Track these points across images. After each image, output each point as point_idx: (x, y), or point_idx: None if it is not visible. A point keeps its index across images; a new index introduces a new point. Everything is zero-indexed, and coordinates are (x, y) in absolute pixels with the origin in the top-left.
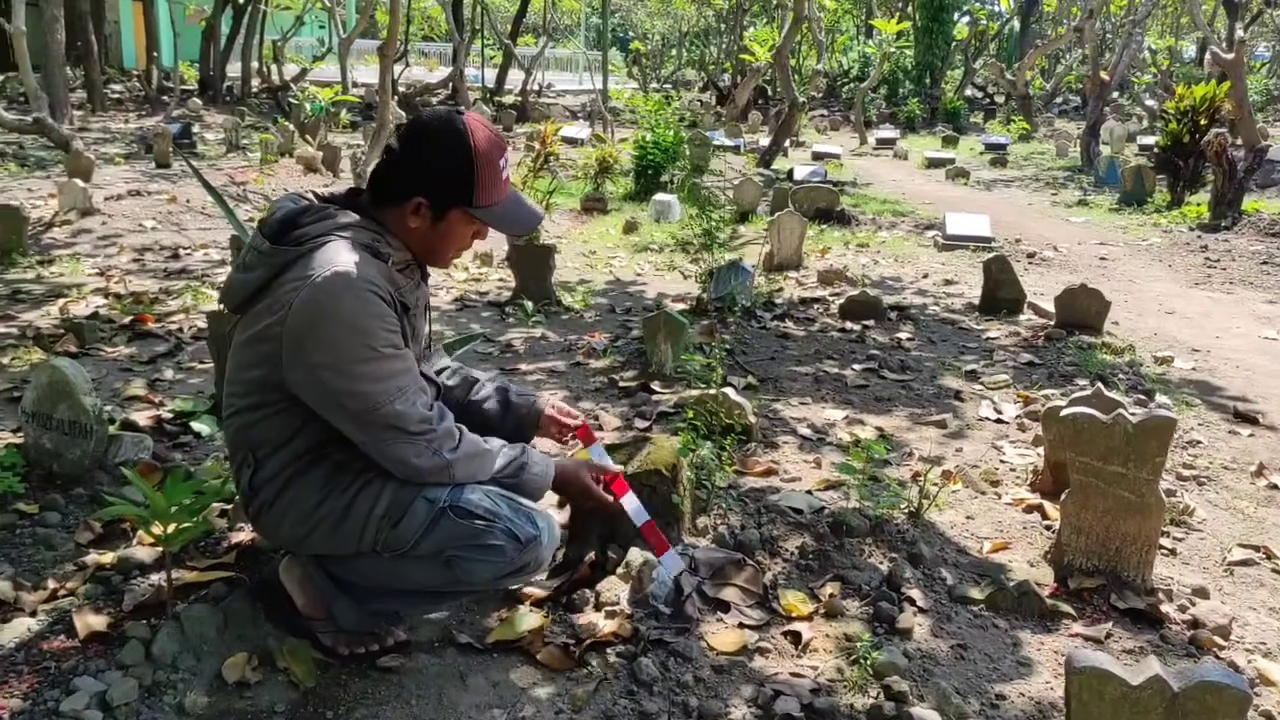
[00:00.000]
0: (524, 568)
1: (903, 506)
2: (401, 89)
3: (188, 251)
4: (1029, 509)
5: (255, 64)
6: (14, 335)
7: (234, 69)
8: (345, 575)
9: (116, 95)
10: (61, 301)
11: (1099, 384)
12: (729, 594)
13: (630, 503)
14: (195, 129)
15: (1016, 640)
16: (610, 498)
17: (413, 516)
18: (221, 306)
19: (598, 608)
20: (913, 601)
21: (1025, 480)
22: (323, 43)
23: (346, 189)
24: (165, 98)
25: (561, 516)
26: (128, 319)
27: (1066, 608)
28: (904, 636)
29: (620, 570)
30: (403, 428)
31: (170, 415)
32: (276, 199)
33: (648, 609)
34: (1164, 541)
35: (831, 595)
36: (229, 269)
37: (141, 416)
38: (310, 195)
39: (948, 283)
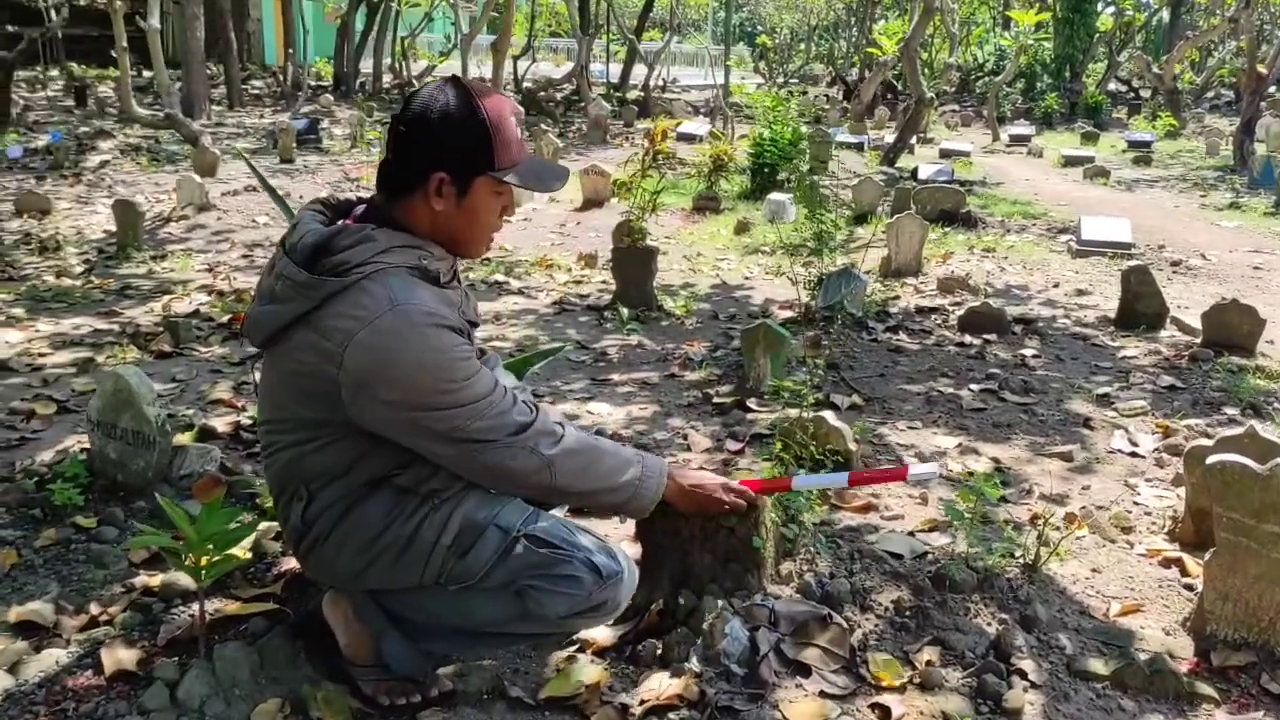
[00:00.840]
0: (601, 606)
1: (1018, 555)
2: (527, 84)
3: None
4: (1166, 563)
5: (387, 60)
6: (114, 332)
7: (367, 65)
8: (400, 610)
9: (256, 91)
10: (166, 298)
11: (1252, 424)
12: (810, 656)
13: (803, 481)
14: (324, 124)
15: None
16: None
17: (484, 545)
18: (287, 213)
19: (664, 663)
20: (1024, 675)
21: (1162, 528)
22: (449, 39)
23: (358, 198)
24: (298, 93)
25: (633, 554)
26: (227, 317)
27: (1208, 689)
28: (1012, 718)
29: (692, 621)
30: (494, 438)
31: (249, 421)
32: (299, 213)
33: (718, 668)
34: None
35: (929, 663)
36: None
37: (221, 422)
38: (322, 208)
39: (1080, 293)
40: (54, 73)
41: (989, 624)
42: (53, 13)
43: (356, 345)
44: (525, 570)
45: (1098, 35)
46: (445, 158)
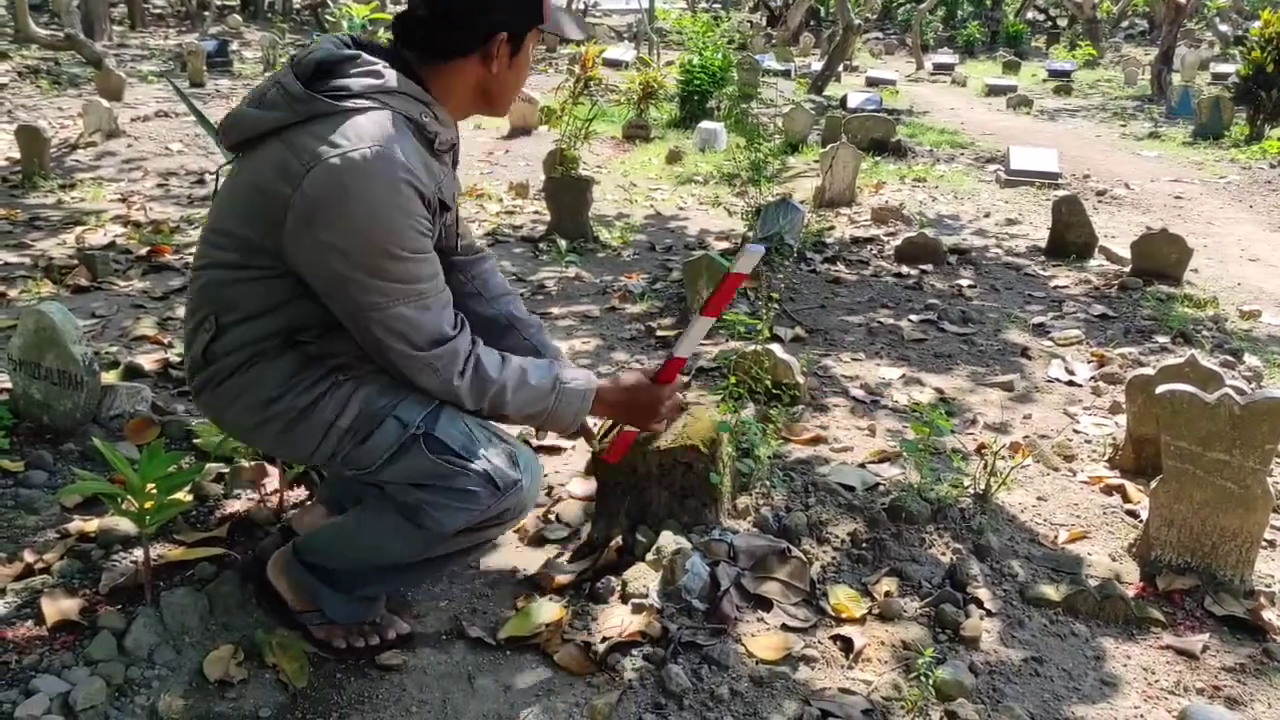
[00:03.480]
0: (501, 515)
1: (967, 486)
2: None
3: (213, 176)
4: (1108, 490)
5: None
6: (26, 265)
7: None
8: (320, 563)
9: (158, 10)
10: (79, 230)
11: (1193, 352)
12: (771, 589)
13: (686, 349)
14: (234, 46)
15: (1099, 652)
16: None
17: (382, 435)
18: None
19: (624, 599)
20: (979, 603)
21: (1103, 455)
22: None
23: (390, 42)
24: (206, 13)
25: (587, 489)
26: (145, 250)
27: (1156, 613)
28: (970, 646)
29: (650, 556)
30: (407, 336)
31: (178, 359)
32: (318, 40)
33: (680, 604)
34: (1265, 535)
35: (887, 593)
36: None
37: (148, 360)
38: (350, 41)
39: (1010, 222)
40: None
41: (944, 554)
42: None
43: (321, 169)
44: (418, 475)
45: None
46: (504, 17)
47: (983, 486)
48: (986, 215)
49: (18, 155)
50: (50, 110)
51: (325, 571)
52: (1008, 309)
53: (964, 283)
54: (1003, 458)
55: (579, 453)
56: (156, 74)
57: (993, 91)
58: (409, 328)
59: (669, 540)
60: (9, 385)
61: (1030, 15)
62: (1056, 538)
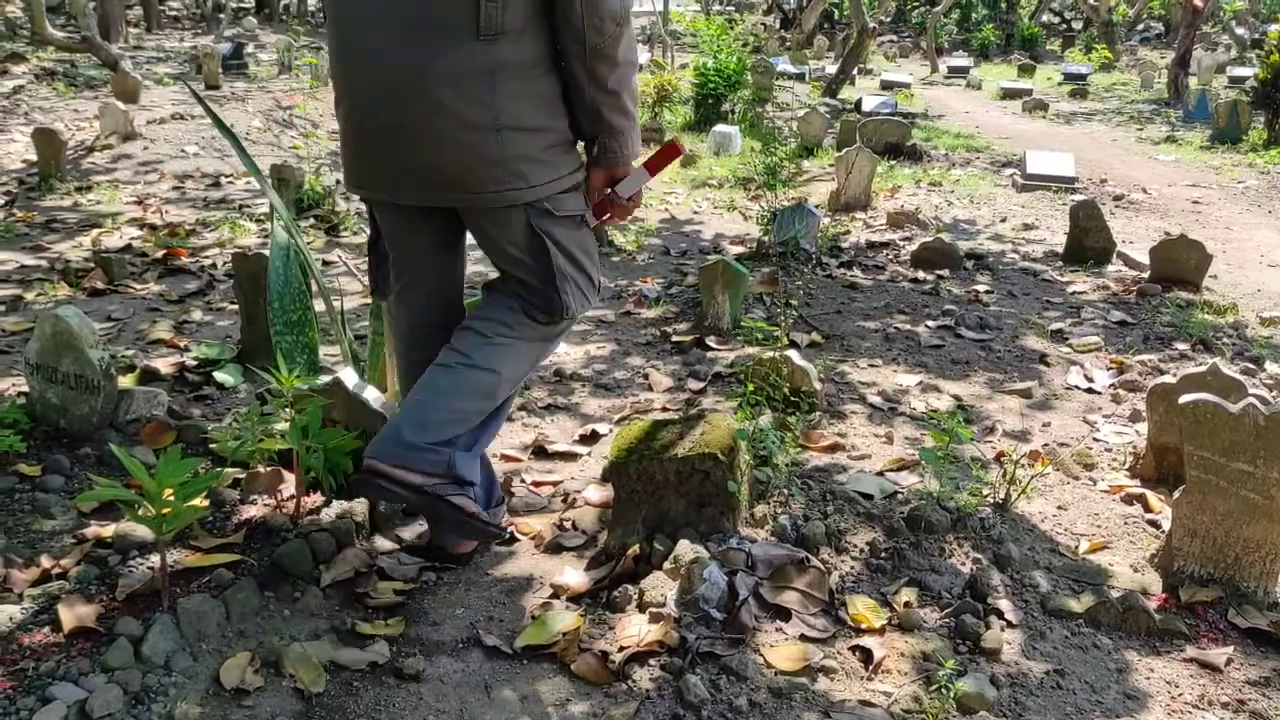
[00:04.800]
0: (560, 336)
1: (986, 494)
2: None
3: (229, 179)
4: (1129, 499)
5: None
6: (43, 268)
7: None
8: (429, 436)
9: (174, 13)
10: (95, 232)
11: (1215, 361)
12: (790, 599)
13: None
14: (249, 49)
15: (1122, 664)
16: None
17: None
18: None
19: (641, 608)
20: (1000, 614)
21: (1124, 464)
22: None
23: None
24: (221, 16)
25: (603, 496)
26: (161, 253)
27: (1180, 625)
28: (991, 658)
29: (668, 565)
30: None
31: (194, 362)
32: None
33: (697, 613)
34: None
35: (907, 604)
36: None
37: (164, 363)
38: None
39: (1027, 227)
40: None
41: (964, 564)
42: None
43: None
44: (583, 248)
45: None
46: None
47: (1002, 495)
48: (1003, 220)
49: (34, 158)
50: (66, 113)
51: (440, 442)
52: (1025, 315)
53: (981, 288)
54: (1022, 466)
55: (595, 460)
56: (172, 76)
57: (1008, 95)
58: None
59: (686, 549)
60: (26, 389)
61: (1045, 18)
62: (1077, 548)
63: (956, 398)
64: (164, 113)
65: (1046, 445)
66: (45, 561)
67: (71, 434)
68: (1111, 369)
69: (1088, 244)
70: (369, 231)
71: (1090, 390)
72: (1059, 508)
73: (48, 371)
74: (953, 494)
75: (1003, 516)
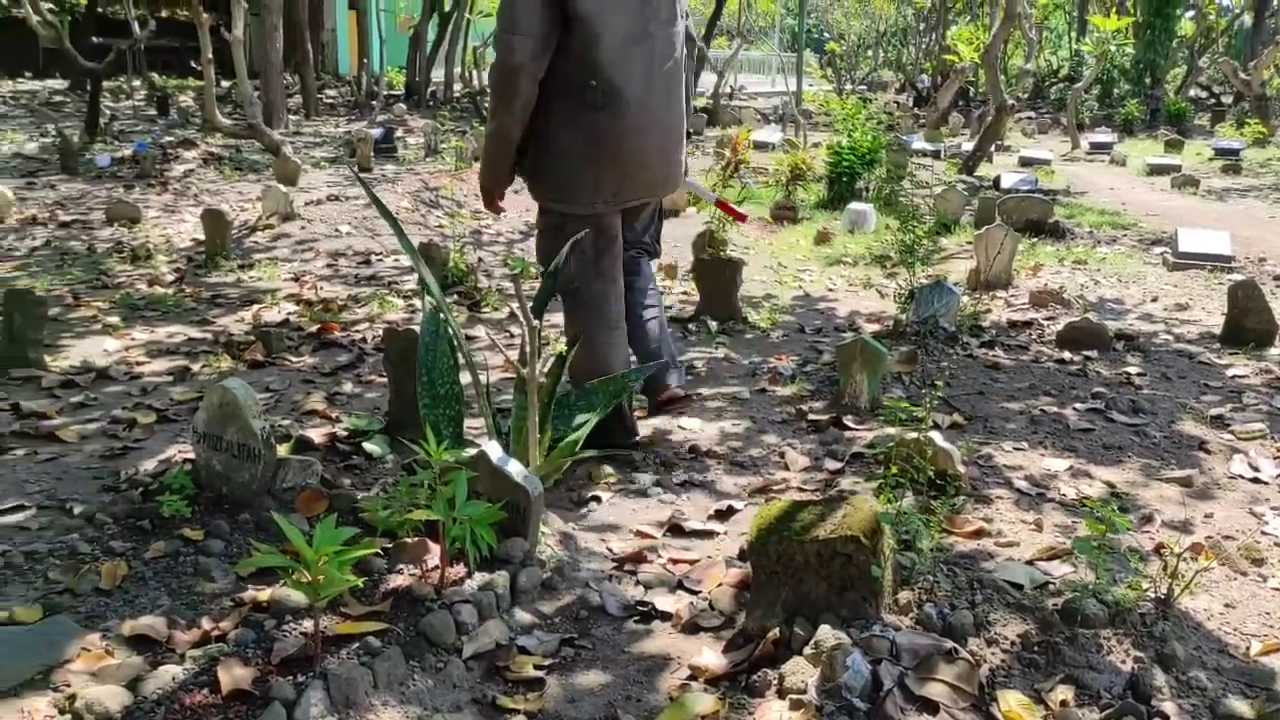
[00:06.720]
0: None
1: (1146, 588)
2: None
3: (379, 257)
4: None
5: (458, 69)
6: (208, 341)
7: (438, 75)
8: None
9: (330, 100)
10: (255, 308)
11: None
12: (937, 691)
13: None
14: (398, 133)
15: None
16: None
17: None
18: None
19: (781, 694)
20: (1166, 717)
21: None
22: None
23: None
24: (373, 103)
25: (741, 576)
26: (315, 327)
27: None
28: None
29: (809, 650)
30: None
31: (344, 433)
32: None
33: (840, 702)
34: None
35: (1063, 702)
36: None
37: (317, 433)
38: None
39: (1180, 308)
40: (136, 83)
41: (1124, 662)
42: (137, 25)
43: None
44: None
45: (1178, 40)
46: None
47: (1164, 590)
48: (1154, 300)
49: (202, 236)
50: (231, 194)
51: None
52: (1181, 399)
53: (1132, 370)
54: (1185, 559)
55: (730, 538)
56: (329, 160)
57: (1155, 171)
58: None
59: (828, 634)
60: (192, 456)
61: (1192, 93)
62: (1248, 649)
63: (1109, 484)
64: (320, 194)
65: (1210, 538)
66: (206, 623)
67: (232, 500)
68: (1279, 458)
69: (1248, 325)
70: (577, 241)
71: (1256, 480)
72: (1226, 605)
73: (213, 440)
74: (1110, 587)
75: (1165, 613)
